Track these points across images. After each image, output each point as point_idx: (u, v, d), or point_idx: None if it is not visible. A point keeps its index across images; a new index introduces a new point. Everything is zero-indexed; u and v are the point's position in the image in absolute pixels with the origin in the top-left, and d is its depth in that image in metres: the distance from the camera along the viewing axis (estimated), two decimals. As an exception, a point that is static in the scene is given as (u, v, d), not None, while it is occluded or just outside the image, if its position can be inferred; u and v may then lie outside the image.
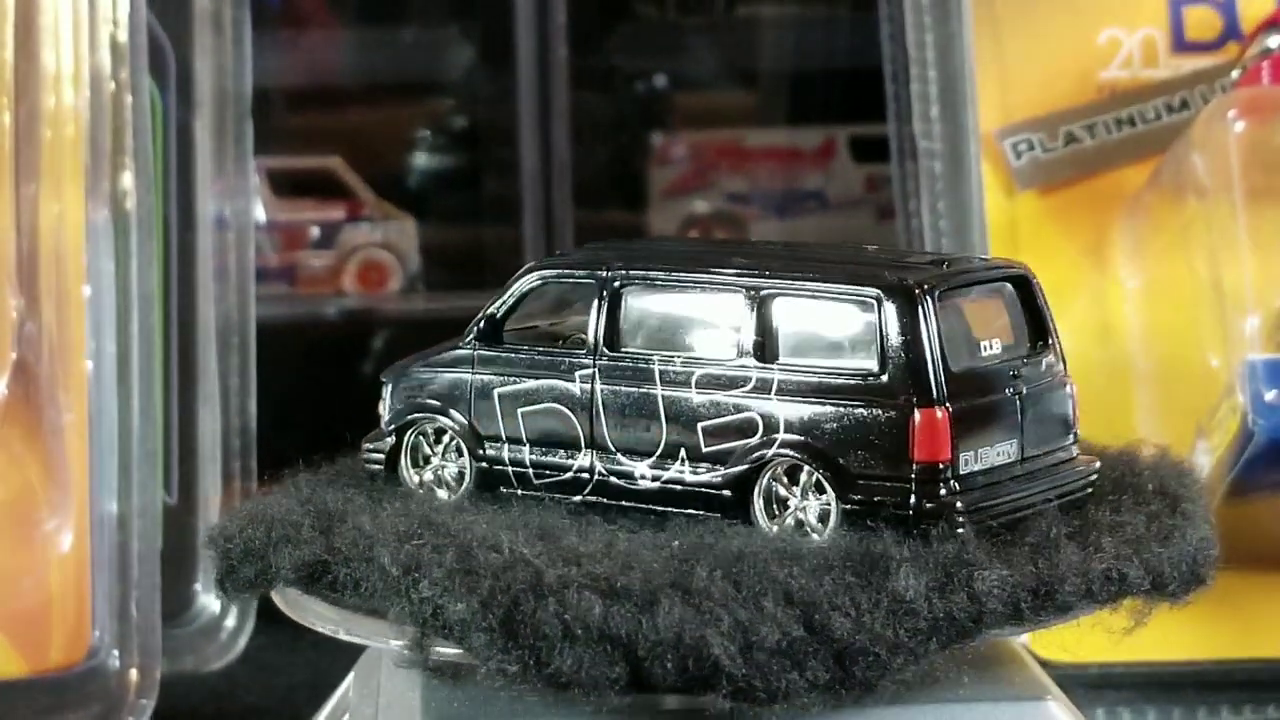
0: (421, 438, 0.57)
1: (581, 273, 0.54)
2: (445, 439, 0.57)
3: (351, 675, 0.57)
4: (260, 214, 0.85)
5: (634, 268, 0.52)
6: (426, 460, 0.56)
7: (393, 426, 0.58)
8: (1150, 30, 0.79)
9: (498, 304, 0.57)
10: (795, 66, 1.07)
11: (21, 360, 0.68)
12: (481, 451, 0.55)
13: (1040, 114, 0.78)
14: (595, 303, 0.53)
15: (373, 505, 0.54)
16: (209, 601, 0.77)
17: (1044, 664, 0.55)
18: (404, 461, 0.57)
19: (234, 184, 0.80)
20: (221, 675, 0.76)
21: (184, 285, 0.79)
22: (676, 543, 0.50)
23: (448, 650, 0.49)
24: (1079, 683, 0.63)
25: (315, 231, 1.01)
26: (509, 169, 1.01)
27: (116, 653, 0.70)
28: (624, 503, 0.52)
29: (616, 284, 0.52)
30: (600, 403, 0.52)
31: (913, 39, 0.80)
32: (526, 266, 0.55)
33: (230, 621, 0.77)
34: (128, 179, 0.74)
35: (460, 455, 0.56)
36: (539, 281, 0.55)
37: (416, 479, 0.56)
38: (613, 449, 0.52)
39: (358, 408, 1.01)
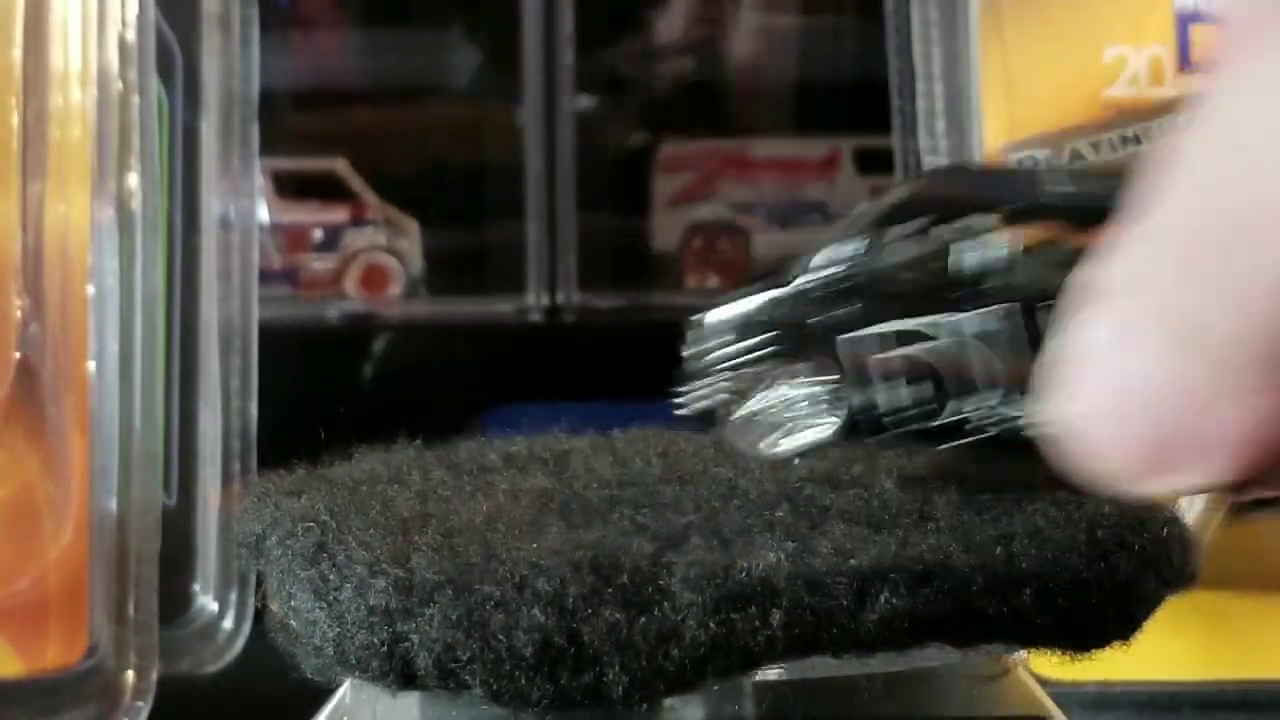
0: None
1: None
2: None
3: (348, 683, 0.57)
4: (264, 216, 0.84)
5: None
6: None
7: None
8: (1157, 49, 0.79)
9: None
10: (800, 77, 1.07)
11: (25, 360, 0.68)
12: None
13: (1047, 131, 0.78)
14: None
15: None
16: (207, 602, 0.77)
17: (1042, 682, 0.55)
18: None
19: (239, 185, 0.80)
20: (219, 677, 0.77)
21: (187, 286, 0.79)
22: None
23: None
24: (1077, 702, 0.63)
25: (318, 234, 1.02)
26: (513, 173, 1.02)
27: (113, 654, 0.70)
28: None
29: None
30: None
31: (919, 53, 0.80)
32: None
33: (228, 623, 0.77)
34: (134, 179, 0.74)
35: None
36: None
37: None
38: None
39: (358, 410, 1.02)
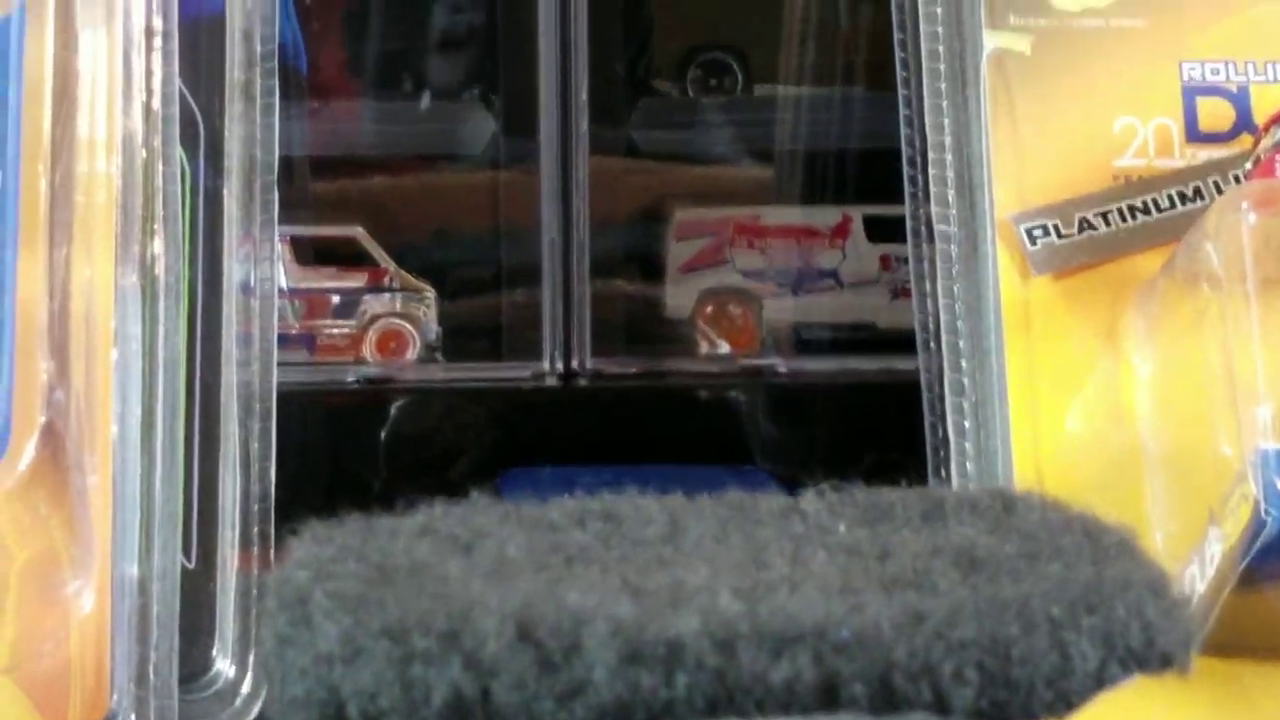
0: None
1: None
2: None
3: None
4: (283, 281, 0.84)
5: None
6: None
7: None
8: (1164, 120, 0.80)
9: None
10: (811, 146, 1.08)
11: (50, 423, 0.69)
12: None
13: (1056, 200, 0.78)
14: None
15: None
16: (225, 665, 0.77)
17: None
18: None
19: (260, 251, 0.80)
20: None
21: (208, 350, 0.79)
22: None
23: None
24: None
25: (336, 300, 1.02)
26: (529, 240, 1.02)
27: (134, 717, 0.70)
28: None
29: None
30: None
31: (930, 123, 0.80)
32: None
33: (246, 686, 0.76)
34: (158, 245, 0.75)
35: None
36: None
37: None
38: None
39: (376, 473, 1.01)
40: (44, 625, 0.70)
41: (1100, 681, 0.45)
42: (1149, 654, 0.46)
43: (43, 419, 0.68)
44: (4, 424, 0.67)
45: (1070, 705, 0.45)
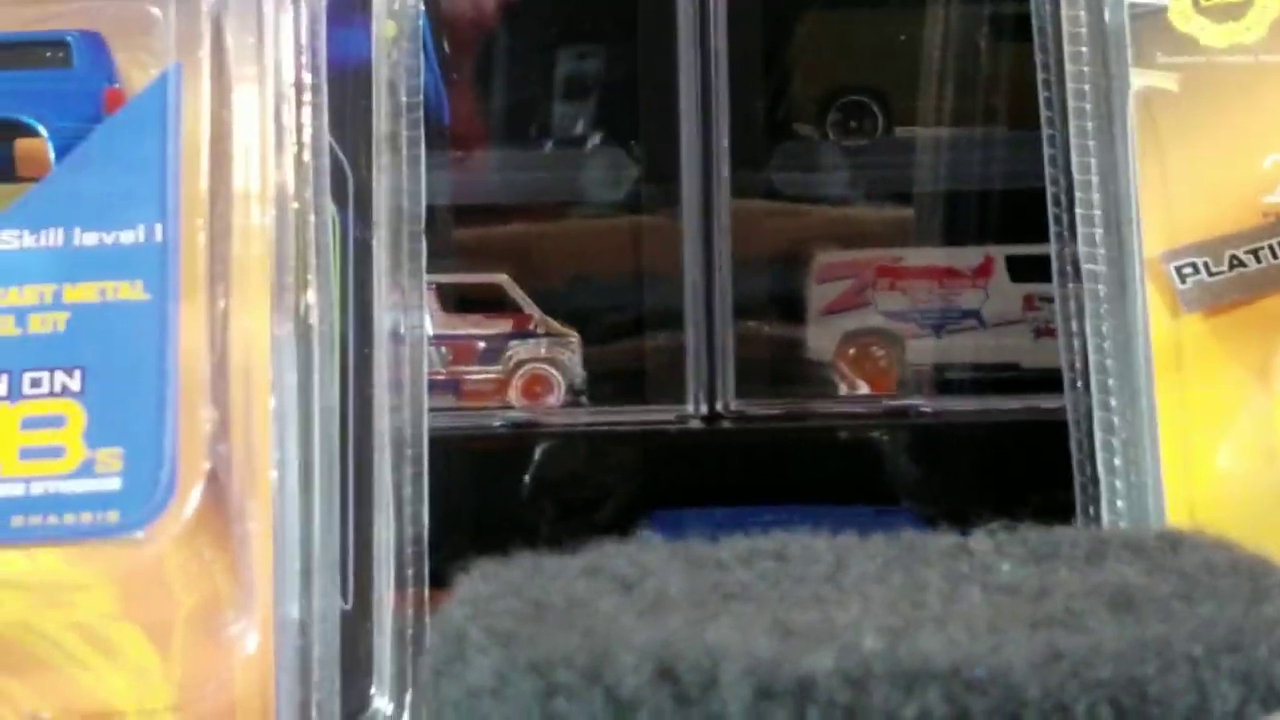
0: None
1: None
2: None
3: None
4: (429, 328, 0.85)
5: None
6: None
7: None
8: None
9: None
10: (952, 186, 1.07)
11: (213, 470, 0.69)
12: None
13: (1205, 238, 0.78)
14: None
15: None
16: (383, 704, 0.77)
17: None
18: None
19: (408, 299, 0.81)
20: None
21: (360, 397, 0.79)
22: None
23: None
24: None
25: (481, 345, 1.03)
26: (671, 284, 1.03)
27: None
28: None
29: None
30: None
31: (1077, 162, 0.80)
32: None
33: None
34: (311, 295, 0.75)
35: None
36: None
37: None
38: None
39: (520, 516, 1.02)
40: (209, 666, 0.70)
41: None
42: None
43: (207, 466, 0.69)
44: (170, 473, 0.68)
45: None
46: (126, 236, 0.71)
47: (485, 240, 1.05)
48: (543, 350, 1.03)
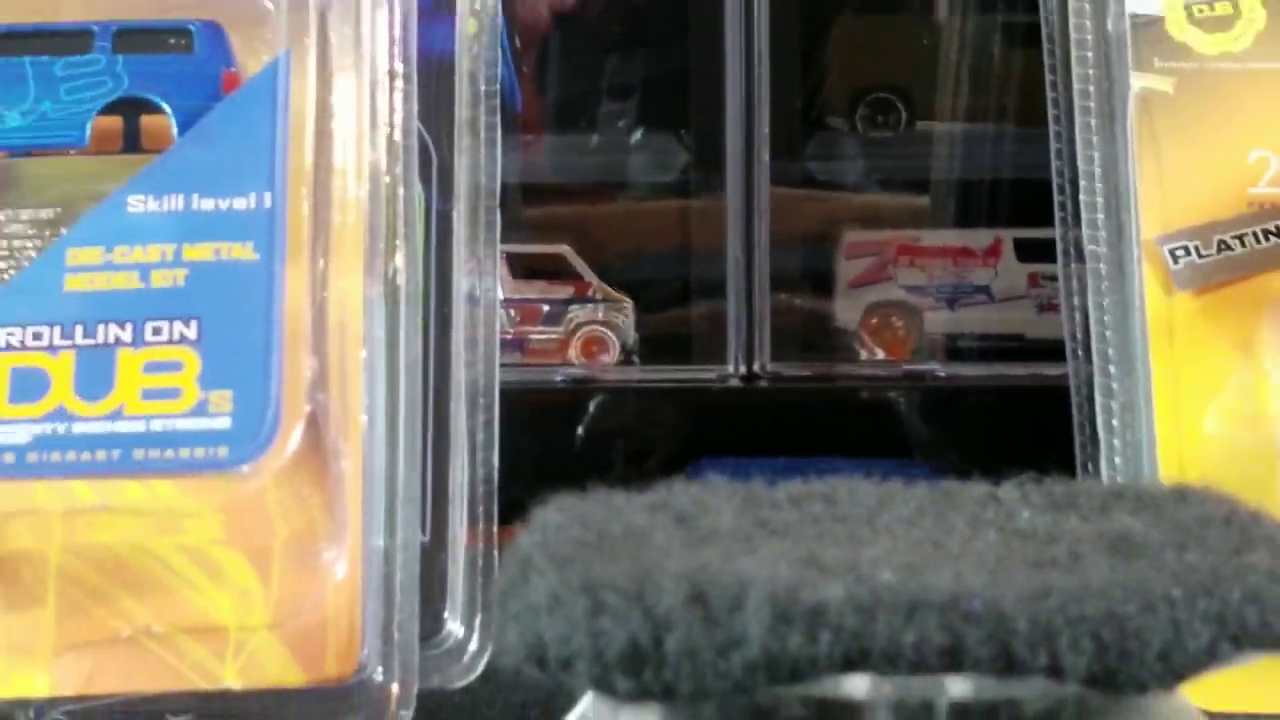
0: None
1: None
2: None
3: (590, 695, 0.57)
4: (500, 293, 0.85)
5: None
6: None
7: None
8: None
9: None
10: (966, 176, 1.07)
11: (312, 413, 0.70)
12: None
13: (1196, 224, 0.78)
14: None
15: None
16: (455, 627, 0.77)
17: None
18: None
19: (483, 266, 0.81)
20: (464, 691, 0.76)
21: (440, 352, 0.80)
22: None
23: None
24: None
25: (545, 309, 1.03)
26: (715, 258, 1.03)
27: (380, 669, 0.71)
28: None
29: None
30: None
31: (1081, 155, 0.80)
32: None
33: (473, 645, 0.77)
34: (399, 260, 0.76)
35: None
36: None
37: None
38: None
39: (578, 461, 1.01)
40: (304, 589, 0.71)
41: (1212, 658, 0.44)
42: (1264, 635, 0.45)
43: (307, 410, 0.69)
44: (275, 414, 0.68)
45: (1180, 678, 0.45)
46: (239, 203, 0.72)
47: (550, 216, 1.05)
48: (600, 314, 1.03)
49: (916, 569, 0.45)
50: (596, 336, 1.03)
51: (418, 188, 0.79)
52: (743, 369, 1.01)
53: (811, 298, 1.05)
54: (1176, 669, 0.44)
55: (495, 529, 0.78)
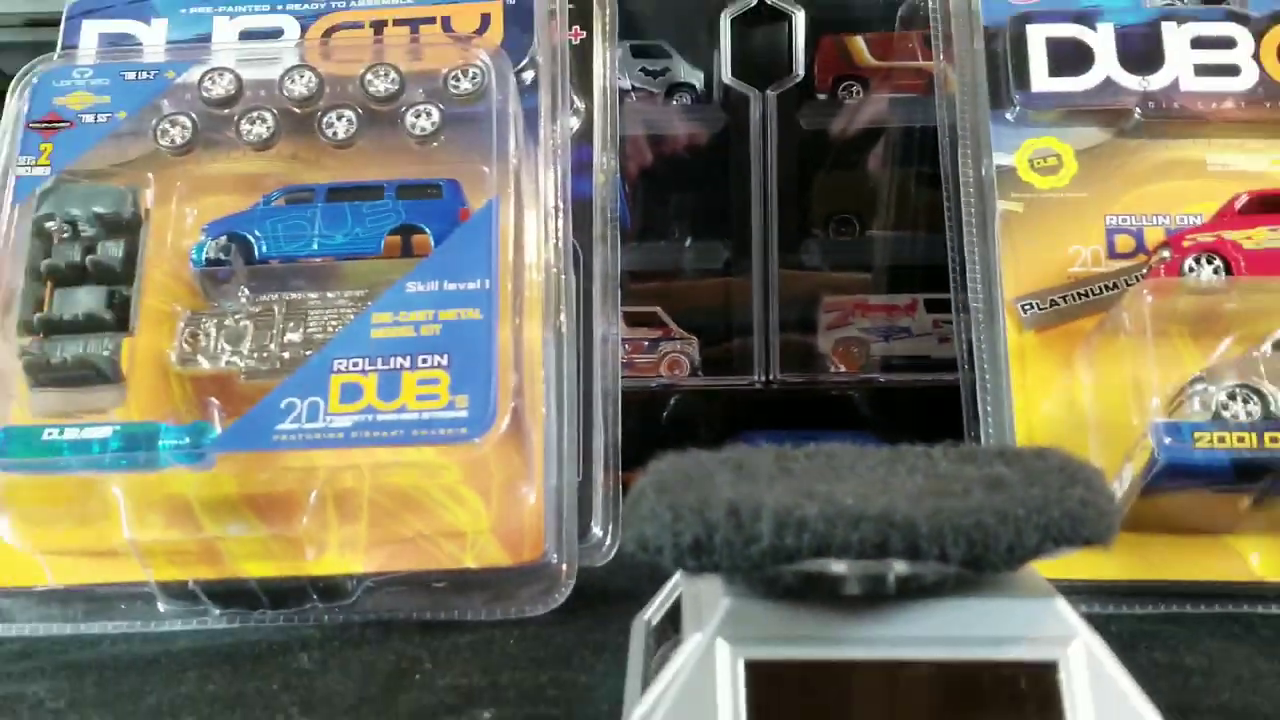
0: None
1: None
2: None
3: (679, 573, 0.57)
4: (620, 334, 0.85)
5: None
6: None
7: None
8: (1096, 246, 0.78)
9: None
10: (894, 262, 1.06)
11: (515, 408, 0.71)
12: None
13: (1037, 290, 0.78)
14: None
15: None
16: (597, 531, 0.78)
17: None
18: None
19: (610, 320, 0.81)
20: (602, 570, 0.76)
21: (586, 370, 0.79)
22: None
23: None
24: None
25: (645, 344, 1.03)
26: (747, 313, 1.01)
27: (555, 555, 0.72)
28: None
29: None
30: None
31: (966, 248, 0.80)
32: None
33: (608, 542, 0.77)
34: (563, 317, 0.76)
35: None
36: None
37: None
38: None
39: (665, 435, 1.01)
40: (510, 510, 0.71)
41: (1040, 551, 0.44)
42: (1074, 538, 0.45)
43: (512, 405, 0.69)
44: (493, 409, 0.68)
45: (1021, 562, 0.45)
46: (471, 285, 0.71)
47: (647, 289, 1.04)
48: (677, 347, 1.02)
49: (867, 497, 0.45)
50: (676, 359, 1.03)
51: (573, 275, 0.79)
52: (763, 379, 1.01)
53: (803, 336, 1.04)
54: (1018, 558, 0.44)
55: (620, 474, 0.78)
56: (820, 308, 1.04)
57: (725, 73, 1.01)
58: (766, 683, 0.45)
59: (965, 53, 0.82)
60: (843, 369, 1.03)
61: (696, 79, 1.05)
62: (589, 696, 0.58)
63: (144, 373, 0.71)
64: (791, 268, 1.01)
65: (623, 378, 0.81)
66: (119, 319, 0.70)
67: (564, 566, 0.71)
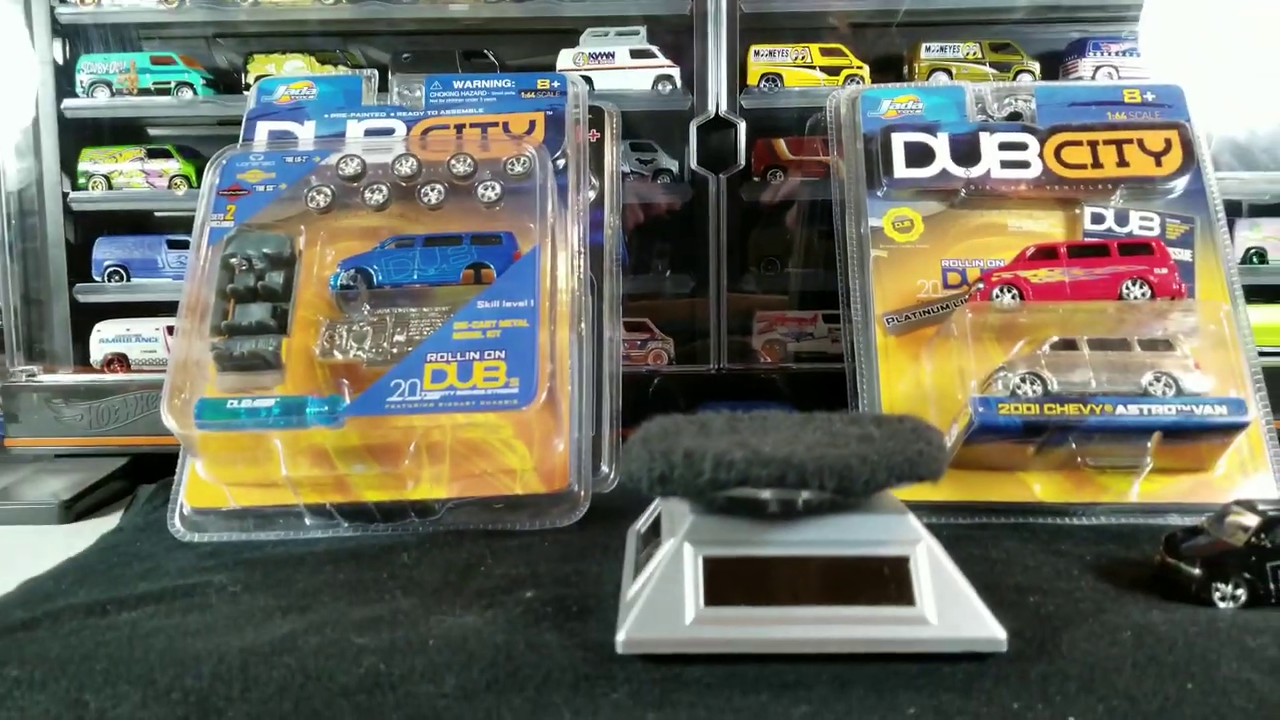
0: None
1: None
2: None
3: (657, 498, 0.56)
4: (620, 335, 0.83)
5: None
6: None
7: None
8: (935, 280, 0.78)
9: None
10: (803, 289, 1.03)
11: (551, 387, 0.69)
12: None
13: (898, 308, 0.77)
14: None
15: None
16: (606, 469, 0.76)
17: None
18: None
19: (616, 326, 0.79)
20: (609, 495, 0.74)
21: (597, 360, 0.77)
22: None
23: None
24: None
25: (639, 342, 1.01)
26: (705, 324, 0.99)
27: (577, 485, 0.70)
28: None
29: None
30: None
31: (852, 280, 0.79)
32: None
33: (613, 476, 0.76)
34: (582, 325, 0.75)
35: None
36: None
37: None
38: None
39: (652, 404, 0.99)
40: (546, 455, 0.70)
41: (887, 485, 0.44)
42: (913, 476, 0.45)
43: (549, 384, 0.68)
44: (534, 388, 0.66)
45: (876, 490, 0.44)
46: (521, 304, 0.69)
47: (640, 306, 1.02)
48: (660, 345, 1.01)
49: (778, 445, 0.46)
50: (658, 353, 1.01)
51: (590, 297, 0.78)
52: (716, 366, 0.99)
53: (743, 337, 1.02)
54: (873, 488, 0.45)
55: (621, 430, 0.77)
56: (754, 319, 1.03)
57: (692, 162, 1.00)
58: (718, 572, 0.45)
59: (851, 151, 0.83)
60: (769, 360, 1.02)
61: (674, 166, 1.05)
62: (600, 581, 0.58)
63: (296, 363, 0.70)
64: (735, 292, 1.00)
65: (623, 366, 0.80)
66: (280, 325, 0.70)
67: (582, 493, 0.70)
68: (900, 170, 0.80)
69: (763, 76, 1.01)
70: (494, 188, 0.75)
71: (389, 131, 0.81)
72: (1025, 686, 0.43)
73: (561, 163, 0.79)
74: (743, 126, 1.00)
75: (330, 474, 0.66)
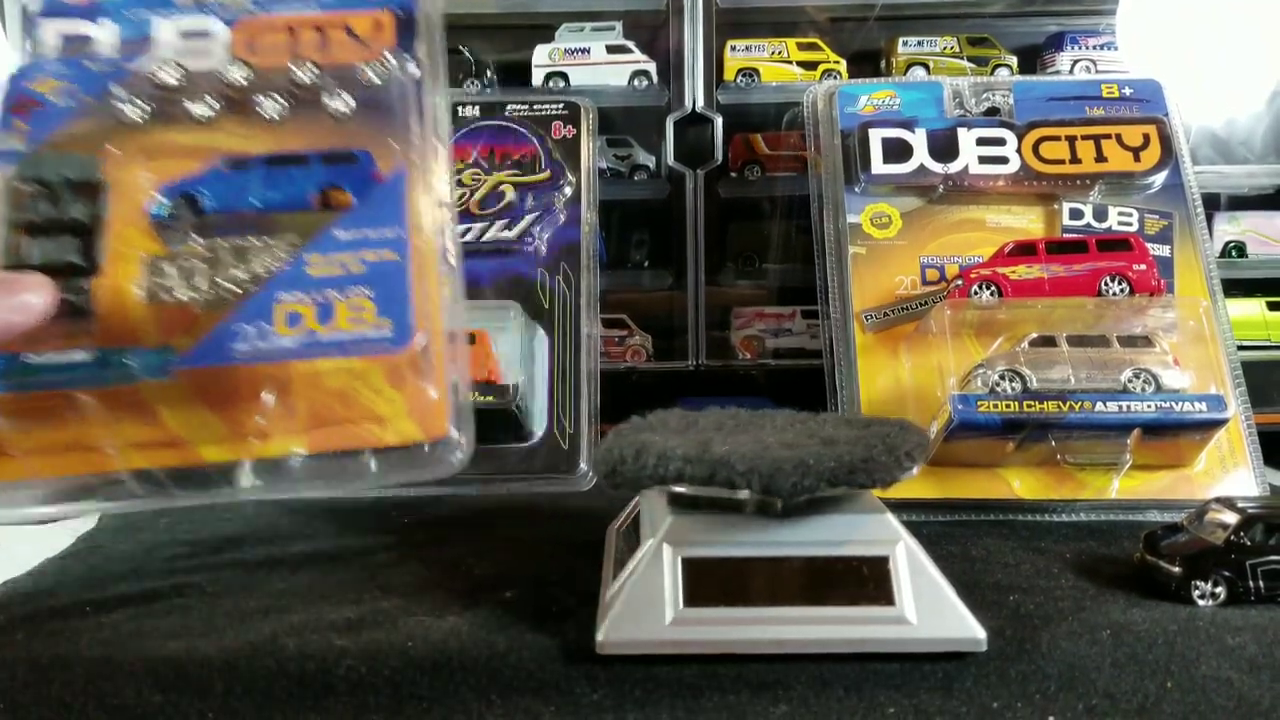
0: None
1: None
2: None
3: (640, 495, 0.56)
4: (599, 332, 0.84)
5: None
6: None
7: None
8: (913, 276, 0.78)
9: None
10: (782, 285, 1.03)
11: (451, 334, 0.58)
12: None
13: (876, 304, 0.77)
14: None
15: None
16: (585, 466, 0.75)
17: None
18: None
19: (593, 322, 0.79)
20: (587, 494, 0.74)
21: (575, 356, 0.77)
22: None
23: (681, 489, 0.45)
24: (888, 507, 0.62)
25: (616, 339, 1.01)
26: (683, 318, 1.00)
27: (456, 432, 0.56)
28: None
29: None
30: None
31: (830, 276, 0.79)
32: None
33: (590, 474, 0.75)
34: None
35: None
36: None
37: None
38: None
39: (630, 400, 0.97)
40: (419, 402, 0.57)
41: (816, 490, 0.43)
42: (850, 483, 0.43)
43: (423, 335, 0.57)
44: (410, 324, 0.56)
45: (804, 494, 0.43)
46: (388, 233, 0.58)
47: (618, 301, 1.02)
48: (638, 340, 1.01)
49: (743, 445, 0.45)
50: (637, 349, 1.01)
51: (569, 291, 0.77)
52: (695, 363, 0.99)
53: (721, 333, 1.02)
54: (801, 492, 0.43)
55: (599, 426, 0.77)
56: (732, 315, 1.03)
57: (669, 158, 1.00)
58: (697, 572, 0.45)
59: (829, 147, 0.82)
60: (747, 356, 1.02)
61: (650, 162, 1.04)
62: (579, 580, 0.57)
63: (111, 306, 0.57)
64: (713, 286, 1.00)
65: (601, 362, 0.80)
66: (89, 264, 0.57)
67: (463, 440, 0.56)
68: (878, 166, 0.80)
69: (739, 71, 1.00)
70: (345, 99, 0.61)
71: (203, 34, 0.64)
72: (1005, 685, 0.42)
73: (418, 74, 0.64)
74: (720, 122, 1.00)
75: (162, 434, 0.56)
